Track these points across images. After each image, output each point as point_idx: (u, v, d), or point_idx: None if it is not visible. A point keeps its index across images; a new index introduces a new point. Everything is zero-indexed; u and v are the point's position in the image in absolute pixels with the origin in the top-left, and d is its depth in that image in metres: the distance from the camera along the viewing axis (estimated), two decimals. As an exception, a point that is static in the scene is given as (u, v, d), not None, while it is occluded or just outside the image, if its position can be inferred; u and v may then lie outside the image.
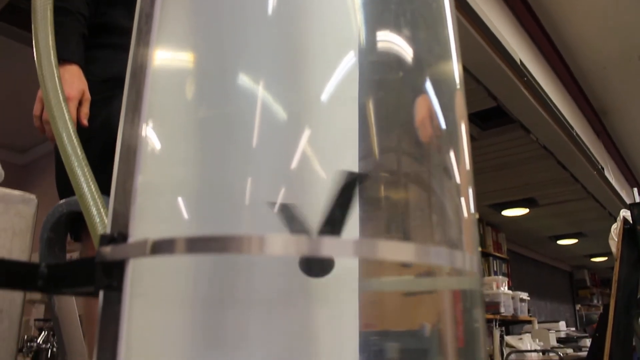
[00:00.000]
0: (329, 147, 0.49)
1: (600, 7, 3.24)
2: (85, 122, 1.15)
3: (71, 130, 0.57)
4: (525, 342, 4.76)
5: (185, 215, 0.44)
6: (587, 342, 5.11)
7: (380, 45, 0.52)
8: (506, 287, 5.18)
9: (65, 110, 0.59)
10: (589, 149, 4.19)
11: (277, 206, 0.38)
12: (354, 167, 0.50)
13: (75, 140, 0.56)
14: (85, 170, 0.54)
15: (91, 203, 0.51)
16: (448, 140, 0.49)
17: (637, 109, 4.46)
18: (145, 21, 0.50)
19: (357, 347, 0.50)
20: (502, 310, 4.94)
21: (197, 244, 0.29)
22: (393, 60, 0.51)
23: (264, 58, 0.49)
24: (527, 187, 5.05)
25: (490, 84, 2.95)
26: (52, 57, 0.62)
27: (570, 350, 5.02)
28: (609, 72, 3.94)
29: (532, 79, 3.07)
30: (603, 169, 4.59)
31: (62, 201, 0.81)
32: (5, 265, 0.44)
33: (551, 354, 4.67)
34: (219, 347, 0.44)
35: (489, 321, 4.76)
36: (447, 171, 0.48)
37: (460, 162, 0.48)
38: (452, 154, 0.49)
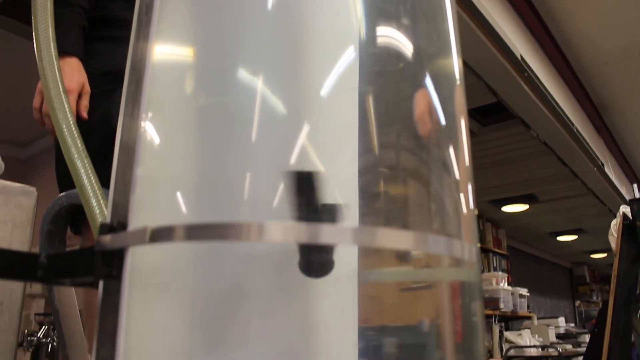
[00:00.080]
0: (329, 141, 0.49)
1: (601, 3, 3.23)
2: (84, 114, 1.15)
3: (71, 122, 0.57)
4: (525, 337, 4.77)
5: (184, 207, 0.44)
6: (586, 338, 5.13)
7: (380, 39, 0.52)
8: (506, 283, 5.19)
9: (65, 102, 0.59)
10: (589, 145, 4.19)
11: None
12: (354, 161, 0.50)
13: (75, 132, 0.56)
14: (85, 161, 0.54)
15: (91, 194, 0.51)
16: (447, 133, 0.49)
17: (638, 105, 4.46)
18: (145, 13, 0.50)
19: (356, 340, 0.50)
20: (502, 306, 4.95)
21: (196, 231, 0.29)
22: (393, 55, 0.51)
23: (263, 51, 0.49)
24: (527, 183, 5.05)
25: (490, 79, 2.94)
26: (52, 48, 0.62)
27: (569, 346, 5.03)
28: (609, 68, 3.93)
29: (533, 74, 3.06)
30: (603, 165, 4.59)
31: (62, 194, 0.81)
32: (5, 256, 0.44)
33: (550, 350, 4.68)
34: (219, 339, 0.44)
35: (488, 317, 4.77)
36: (447, 164, 0.48)
37: (459, 155, 0.48)
38: (451, 148, 0.49)
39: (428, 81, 0.50)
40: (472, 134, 3.90)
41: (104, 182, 0.49)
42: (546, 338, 5.03)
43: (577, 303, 8.67)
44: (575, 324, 7.29)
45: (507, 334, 4.81)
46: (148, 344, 0.42)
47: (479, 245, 0.40)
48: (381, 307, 0.54)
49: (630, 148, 5.36)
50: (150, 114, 0.46)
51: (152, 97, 0.46)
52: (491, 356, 4.64)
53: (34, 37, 0.63)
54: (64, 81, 0.62)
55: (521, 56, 2.88)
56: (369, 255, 0.50)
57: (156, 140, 0.46)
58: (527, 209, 5.86)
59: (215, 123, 0.48)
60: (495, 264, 6.01)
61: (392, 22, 0.52)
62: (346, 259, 0.48)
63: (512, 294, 5.22)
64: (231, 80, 0.48)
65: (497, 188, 5.11)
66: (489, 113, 3.67)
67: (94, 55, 1.27)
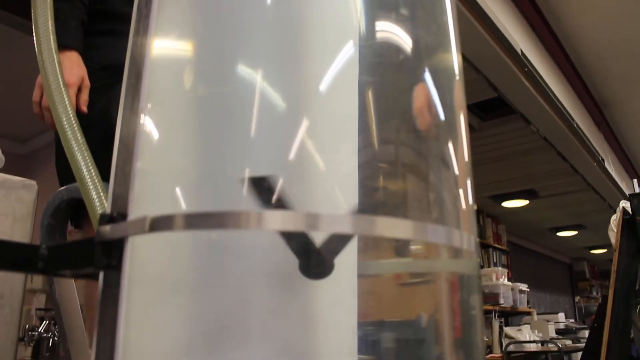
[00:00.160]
0: (329, 135, 0.49)
1: (602, -2, 3.23)
2: (84, 108, 1.15)
3: (71, 115, 0.57)
4: (524, 333, 4.78)
5: (184, 199, 0.44)
6: (586, 333, 5.14)
7: (379, 34, 0.52)
8: (506, 279, 5.20)
9: (65, 95, 0.59)
10: (589, 140, 4.19)
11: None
12: (354, 155, 0.50)
13: (75, 125, 0.57)
14: (86, 154, 0.54)
15: (91, 187, 0.51)
16: (446, 126, 0.49)
17: (638, 101, 4.45)
18: (145, 6, 0.50)
19: (355, 334, 0.50)
20: (502, 301, 4.95)
21: (196, 220, 0.29)
22: (393, 49, 0.51)
23: (263, 45, 0.49)
24: (527, 179, 5.05)
25: (491, 74, 2.94)
26: (52, 41, 0.62)
27: (568, 342, 5.04)
28: (610, 64, 3.93)
29: (533, 69, 3.06)
30: (603, 160, 4.59)
31: (62, 187, 0.81)
32: (6, 247, 0.44)
33: (550, 345, 4.69)
34: (218, 332, 0.45)
35: (488, 312, 4.78)
36: (446, 156, 0.48)
37: (458, 148, 0.48)
38: (450, 141, 0.49)
39: (427, 75, 0.50)
40: (472, 129, 3.89)
41: (104, 175, 0.49)
42: (546, 333, 5.04)
43: (577, 299, 8.68)
44: (575, 320, 7.30)
45: (507, 330, 4.81)
46: (148, 335, 0.43)
47: (478, 240, 0.40)
48: (380, 302, 0.54)
49: (630, 143, 5.36)
50: (150, 107, 0.46)
51: (151, 90, 0.46)
52: (491, 351, 4.65)
53: (33, 30, 0.63)
54: (64, 75, 0.62)
55: (522, 51, 2.88)
56: (368, 249, 0.50)
57: (156, 133, 0.46)
58: (527, 205, 5.86)
59: (214, 116, 0.48)
60: (495, 260, 6.01)
61: (392, 16, 0.52)
62: (345, 251, 0.48)
63: (512, 289, 5.22)
64: (230, 74, 0.48)
65: (497, 183, 5.11)
66: (489, 108, 3.67)
67: (94, 50, 1.27)
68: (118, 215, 0.37)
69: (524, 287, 5.45)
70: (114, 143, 0.45)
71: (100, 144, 0.75)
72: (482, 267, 5.58)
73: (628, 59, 3.85)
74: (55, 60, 0.62)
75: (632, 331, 2.33)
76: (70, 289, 0.97)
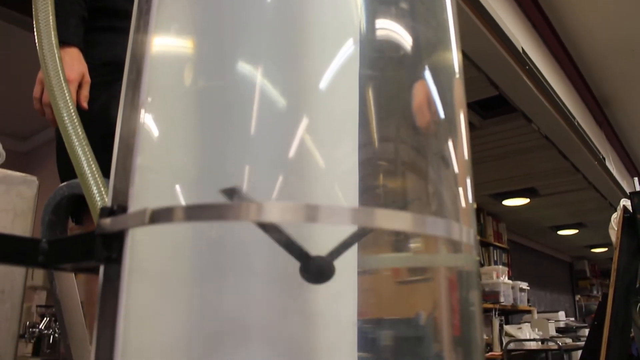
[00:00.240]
0: (329, 132, 0.49)
1: (603, -4, 3.22)
2: (85, 104, 1.15)
3: (72, 110, 0.57)
4: (525, 331, 4.78)
5: (184, 194, 0.44)
6: (586, 332, 5.14)
7: (380, 31, 0.52)
8: (506, 277, 5.20)
9: (66, 90, 0.59)
10: (590, 139, 4.19)
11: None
12: (354, 152, 0.50)
13: (76, 120, 0.57)
14: (86, 149, 0.54)
15: (91, 181, 0.51)
16: (446, 123, 0.49)
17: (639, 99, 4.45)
18: (145, 2, 0.50)
19: (355, 330, 0.50)
20: (502, 299, 4.96)
21: (195, 212, 0.29)
22: (393, 46, 0.51)
23: (263, 41, 0.49)
24: (528, 177, 5.05)
25: (491, 72, 2.93)
26: (53, 36, 0.62)
27: (569, 340, 5.04)
28: (611, 62, 3.92)
29: (534, 67, 3.06)
30: (604, 159, 4.59)
31: (63, 184, 0.81)
32: (6, 241, 0.44)
33: (550, 344, 4.69)
34: (217, 326, 0.45)
35: (488, 310, 4.78)
36: (445, 152, 0.48)
37: (457, 144, 0.48)
38: (450, 137, 0.49)
39: (427, 72, 0.50)
40: (473, 127, 3.89)
41: (104, 171, 0.49)
42: (546, 332, 5.05)
43: (577, 297, 8.68)
44: (576, 318, 7.31)
45: (507, 328, 4.82)
46: (148, 329, 0.43)
47: (478, 238, 0.40)
48: (380, 298, 0.54)
49: (631, 142, 5.35)
50: (150, 103, 0.46)
51: (152, 86, 0.46)
52: (491, 350, 4.65)
53: (34, 25, 0.63)
54: (64, 71, 0.63)
55: (522, 49, 2.88)
56: (368, 246, 0.50)
57: (156, 129, 0.46)
58: (528, 203, 5.86)
59: (215, 113, 0.48)
60: (495, 258, 6.02)
61: (392, 13, 0.52)
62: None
63: (513, 287, 5.22)
64: (231, 70, 0.48)
65: (497, 182, 5.11)
66: (490, 106, 3.67)
67: (95, 46, 1.27)
68: (118, 208, 0.37)
69: (524, 285, 5.45)
70: (114, 139, 0.45)
71: (101, 140, 0.75)
72: (482, 265, 5.58)
73: (629, 57, 3.84)
74: (56, 55, 0.62)
75: (632, 329, 2.33)
76: (71, 285, 0.98)
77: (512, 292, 5.19)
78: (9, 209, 0.90)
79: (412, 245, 0.50)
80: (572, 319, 6.71)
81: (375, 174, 0.52)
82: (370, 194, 0.51)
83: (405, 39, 0.51)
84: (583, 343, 4.29)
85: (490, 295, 4.92)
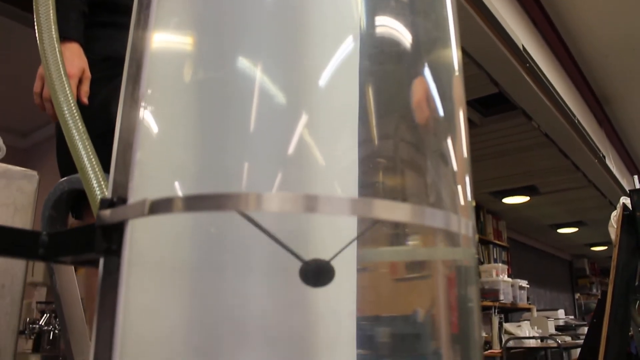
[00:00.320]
0: (328, 128, 0.49)
1: (604, -6, 3.22)
2: (85, 100, 1.15)
3: (72, 104, 0.58)
4: (524, 329, 4.79)
5: (183, 186, 0.44)
6: (586, 330, 5.14)
7: (379, 28, 0.52)
8: (506, 275, 5.21)
9: (66, 84, 0.59)
10: (590, 137, 4.19)
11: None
12: (354, 147, 0.50)
13: (76, 114, 0.57)
14: (86, 143, 0.54)
15: (91, 175, 0.51)
16: (445, 119, 0.49)
17: (640, 98, 4.45)
18: (145, -2, 0.50)
19: (354, 322, 0.50)
20: (502, 297, 4.96)
21: (195, 202, 0.30)
22: (392, 43, 0.51)
23: (263, 37, 0.49)
24: (528, 175, 5.05)
25: (492, 70, 2.93)
26: (53, 30, 0.63)
27: (568, 338, 5.05)
28: (611, 61, 3.92)
29: (535, 65, 3.05)
30: (604, 157, 4.59)
31: (63, 179, 0.81)
32: (7, 234, 0.44)
33: (549, 341, 4.70)
34: (215, 318, 0.45)
35: (488, 308, 4.79)
36: (444, 149, 0.48)
37: (456, 140, 0.48)
38: (449, 133, 0.49)
39: (427, 69, 0.50)
40: (473, 124, 3.89)
41: (105, 167, 0.49)
42: (545, 330, 5.05)
43: (577, 296, 8.69)
44: (575, 317, 7.31)
45: (507, 326, 4.82)
46: (147, 320, 0.43)
47: (477, 236, 0.40)
48: (377, 296, 0.54)
49: (631, 140, 5.35)
50: (150, 98, 0.46)
51: (152, 81, 0.46)
52: (490, 347, 4.66)
53: (35, 19, 0.64)
54: (65, 66, 0.63)
55: (523, 47, 2.87)
56: (366, 240, 0.51)
57: (156, 124, 0.46)
58: (528, 201, 5.86)
59: (214, 107, 0.48)
60: (495, 256, 6.02)
61: (392, 10, 0.52)
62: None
63: (512, 285, 5.23)
64: (230, 66, 0.48)
65: (497, 179, 5.11)
66: (490, 104, 3.67)
67: (95, 41, 1.27)
68: (118, 199, 0.37)
69: (524, 283, 5.46)
70: (114, 135, 0.45)
71: (101, 135, 0.75)
72: (482, 263, 5.58)
73: (630, 55, 3.84)
74: (57, 49, 0.62)
75: (631, 327, 2.33)
76: (71, 280, 0.98)
77: (511, 290, 5.20)
78: (9, 203, 0.90)
79: (411, 239, 0.50)
80: (572, 317, 6.72)
81: (375, 170, 0.52)
82: (369, 190, 0.51)
83: (405, 36, 0.51)
84: (582, 341, 4.30)
85: (490, 293, 4.92)
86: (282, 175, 0.43)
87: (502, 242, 6.26)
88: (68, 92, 0.58)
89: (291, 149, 0.43)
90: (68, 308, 0.99)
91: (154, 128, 0.46)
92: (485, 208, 5.99)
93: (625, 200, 2.30)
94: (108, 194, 0.43)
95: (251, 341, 0.45)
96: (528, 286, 5.55)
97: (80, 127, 0.56)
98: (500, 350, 4.52)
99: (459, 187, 0.46)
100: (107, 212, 0.36)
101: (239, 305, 0.44)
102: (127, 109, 0.46)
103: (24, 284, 0.94)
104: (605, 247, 8.09)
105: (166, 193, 0.43)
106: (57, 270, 0.94)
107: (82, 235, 0.40)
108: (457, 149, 0.47)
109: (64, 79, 0.60)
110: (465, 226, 0.34)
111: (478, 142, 4.15)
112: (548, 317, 5.37)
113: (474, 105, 3.72)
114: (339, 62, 0.49)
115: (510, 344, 4.55)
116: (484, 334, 4.72)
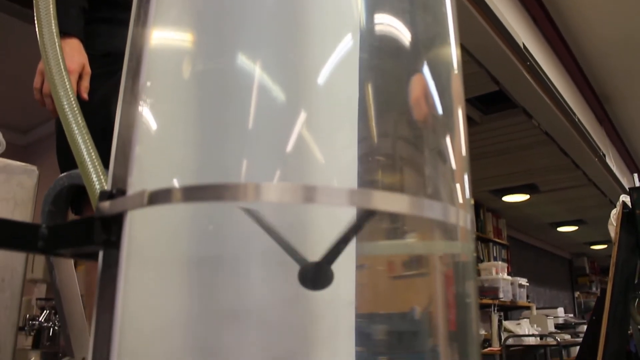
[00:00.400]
0: (328, 125, 0.49)
1: (605, -8, 3.22)
2: (85, 95, 1.15)
3: (72, 99, 0.58)
4: (524, 327, 4.79)
5: (183, 179, 0.44)
6: (585, 328, 5.15)
7: (379, 25, 0.52)
8: (505, 273, 5.21)
9: (66, 78, 0.59)
10: (590, 135, 4.19)
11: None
12: (354, 145, 0.50)
13: (76, 109, 0.57)
14: (86, 137, 0.54)
15: (91, 169, 0.51)
16: (444, 116, 0.49)
17: (640, 96, 4.45)
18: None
19: (352, 316, 0.51)
20: (501, 295, 4.97)
21: (194, 193, 0.30)
22: (392, 40, 0.51)
23: (263, 34, 0.49)
24: (528, 173, 5.05)
25: (492, 67, 2.93)
26: (54, 25, 0.63)
27: (567, 336, 5.06)
28: (612, 59, 3.92)
29: (535, 63, 3.05)
30: (604, 155, 4.59)
31: (63, 174, 0.82)
32: (6, 226, 0.45)
33: (549, 339, 4.70)
34: (214, 309, 0.45)
35: (487, 306, 4.79)
36: (442, 146, 0.48)
37: (455, 137, 0.48)
38: (447, 129, 0.49)
39: (426, 66, 0.51)
40: (473, 122, 3.89)
41: (105, 162, 0.50)
42: (545, 328, 5.06)
43: (577, 294, 8.70)
44: (574, 315, 7.32)
45: (506, 324, 4.83)
46: (146, 313, 0.43)
47: (477, 234, 0.40)
48: (375, 294, 0.55)
49: (632, 139, 5.35)
50: (150, 92, 0.46)
51: (151, 76, 0.46)
52: (490, 345, 4.67)
53: (35, 13, 0.64)
54: (65, 62, 0.63)
55: (524, 45, 2.87)
56: (364, 234, 0.51)
57: (156, 119, 0.46)
58: (528, 199, 5.87)
59: (214, 103, 0.48)
60: (495, 254, 6.03)
61: (392, 6, 0.52)
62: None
63: (512, 283, 5.24)
64: (230, 61, 0.48)
65: (497, 177, 5.11)
66: (490, 102, 3.67)
67: (95, 37, 1.27)
68: (117, 191, 0.37)
69: (523, 281, 5.46)
70: (113, 130, 0.45)
71: (101, 131, 0.75)
72: (482, 261, 5.59)
73: (630, 54, 3.84)
74: (57, 44, 0.62)
75: (630, 326, 2.34)
76: (71, 276, 0.98)
77: (511, 288, 5.20)
78: (9, 198, 0.90)
79: (409, 235, 0.50)
80: (571, 315, 6.73)
81: (374, 167, 0.52)
82: (368, 186, 0.51)
83: (405, 33, 0.51)
84: (581, 339, 4.30)
85: (490, 291, 4.93)
86: (281, 171, 0.43)
87: (502, 240, 6.26)
88: (68, 86, 0.58)
89: (291, 146, 0.43)
90: (68, 304, 0.99)
91: (154, 123, 0.46)
92: (485, 206, 6.00)
93: (625, 198, 2.30)
94: (107, 187, 0.43)
95: (250, 333, 0.45)
96: (528, 284, 5.56)
97: (80, 121, 0.56)
98: (499, 348, 4.53)
99: (458, 184, 0.46)
100: (106, 204, 0.36)
101: (237, 298, 0.44)
102: (126, 104, 0.46)
103: (24, 278, 0.95)
104: (605, 246, 8.09)
105: (165, 183, 0.43)
106: (57, 266, 0.95)
107: (81, 228, 0.40)
108: (456, 146, 0.47)
109: (64, 73, 0.60)
110: (463, 218, 0.34)
111: (478, 140, 4.15)
112: (547, 315, 5.38)
113: (474, 103, 3.72)
114: (338, 58, 0.49)
115: (510, 341, 4.56)
116: (483, 332, 4.73)
